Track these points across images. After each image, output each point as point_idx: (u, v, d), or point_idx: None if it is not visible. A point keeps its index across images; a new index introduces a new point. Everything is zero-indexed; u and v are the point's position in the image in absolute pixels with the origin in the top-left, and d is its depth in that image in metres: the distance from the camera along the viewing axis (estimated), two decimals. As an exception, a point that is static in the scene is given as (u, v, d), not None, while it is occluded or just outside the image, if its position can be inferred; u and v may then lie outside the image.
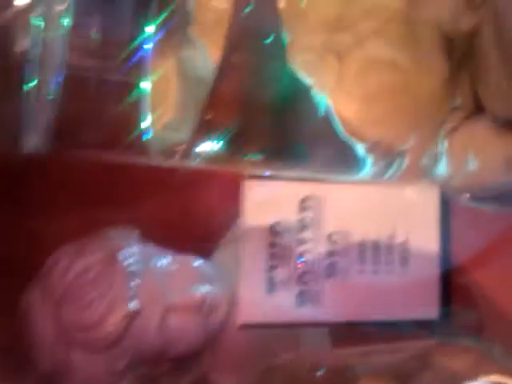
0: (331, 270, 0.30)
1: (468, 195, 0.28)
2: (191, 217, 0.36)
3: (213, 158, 0.24)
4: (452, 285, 0.33)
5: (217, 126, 0.22)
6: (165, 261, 0.35)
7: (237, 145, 0.23)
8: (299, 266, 0.30)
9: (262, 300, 0.30)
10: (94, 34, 0.21)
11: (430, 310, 0.31)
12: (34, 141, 0.21)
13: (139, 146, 0.23)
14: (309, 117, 0.25)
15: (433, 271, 0.31)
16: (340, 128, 0.25)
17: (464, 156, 0.25)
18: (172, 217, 0.35)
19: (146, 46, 0.23)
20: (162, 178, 0.32)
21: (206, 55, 0.24)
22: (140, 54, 0.23)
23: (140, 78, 0.23)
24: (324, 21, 0.23)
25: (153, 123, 0.24)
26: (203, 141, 0.23)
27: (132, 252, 0.35)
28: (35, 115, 0.20)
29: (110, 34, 0.22)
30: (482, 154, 0.25)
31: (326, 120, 0.25)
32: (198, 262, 0.35)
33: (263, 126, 0.25)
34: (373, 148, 0.25)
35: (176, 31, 0.24)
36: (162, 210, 0.34)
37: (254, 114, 0.24)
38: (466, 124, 0.25)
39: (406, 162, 0.25)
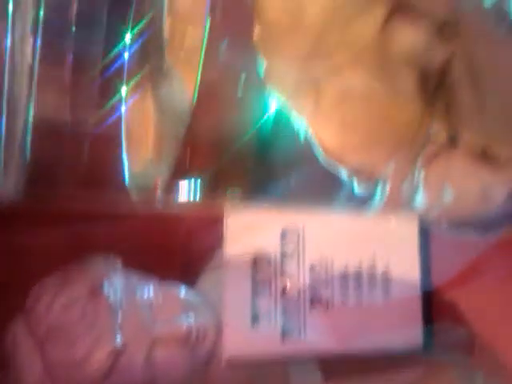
0: (314, 301, 0.31)
1: (446, 225, 0.28)
2: (174, 244, 0.35)
3: (193, 194, 0.24)
4: (434, 309, 0.33)
5: (195, 165, 0.22)
6: (149, 291, 0.35)
7: (216, 181, 0.23)
8: (282, 297, 0.30)
9: (247, 333, 0.30)
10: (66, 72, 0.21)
11: (414, 336, 0.31)
12: (9, 186, 0.21)
13: (119, 185, 0.23)
14: (289, 147, 0.25)
15: (415, 297, 0.31)
16: (321, 154, 0.25)
17: (440, 187, 0.25)
18: (154, 244, 0.35)
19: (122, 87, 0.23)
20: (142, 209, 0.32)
21: (182, 88, 0.24)
22: (116, 93, 0.23)
23: (116, 115, 0.23)
24: (300, 50, 0.23)
25: (131, 161, 0.24)
26: (183, 178, 0.23)
27: (115, 283, 0.35)
28: (8, 160, 0.20)
29: (82, 70, 0.22)
30: (458, 186, 0.25)
31: (307, 148, 0.25)
32: (182, 291, 0.35)
33: (243, 161, 0.25)
34: (354, 174, 0.25)
35: (152, 61, 0.24)
36: (144, 237, 0.34)
37: (233, 150, 0.24)
38: (442, 155, 0.25)
39: (388, 188, 0.25)
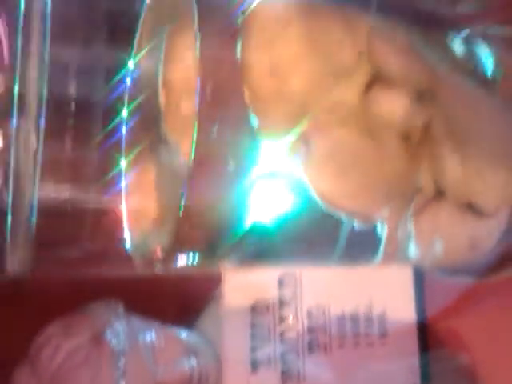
0: (312, 346, 0.31)
1: (438, 272, 0.29)
2: (174, 286, 0.36)
3: (191, 261, 0.24)
4: (432, 341, 0.34)
5: (193, 236, 0.23)
6: (151, 335, 0.35)
7: (213, 250, 0.24)
8: (281, 343, 0.31)
9: (247, 379, 0.31)
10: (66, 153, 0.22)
11: (412, 372, 0.32)
12: (14, 261, 0.21)
13: (122, 257, 0.24)
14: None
15: (412, 339, 0.32)
16: (317, 199, 0.26)
17: (431, 239, 0.26)
18: (154, 288, 0.36)
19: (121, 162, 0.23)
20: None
21: (180, 157, 0.24)
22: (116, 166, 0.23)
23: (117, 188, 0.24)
24: (286, 114, 0.24)
25: (133, 231, 0.24)
26: (183, 248, 0.23)
27: (118, 329, 0.36)
28: (15, 238, 0.21)
29: (83, 146, 0.23)
30: (447, 238, 0.26)
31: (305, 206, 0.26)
32: (183, 333, 0.36)
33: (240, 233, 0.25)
34: (351, 216, 0.26)
35: (150, 132, 0.25)
36: (143, 281, 0.35)
37: (231, 225, 0.24)
38: (430, 207, 0.26)
39: (385, 231, 0.26)
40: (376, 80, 0.24)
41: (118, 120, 0.24)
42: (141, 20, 0.25)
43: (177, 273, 0.26)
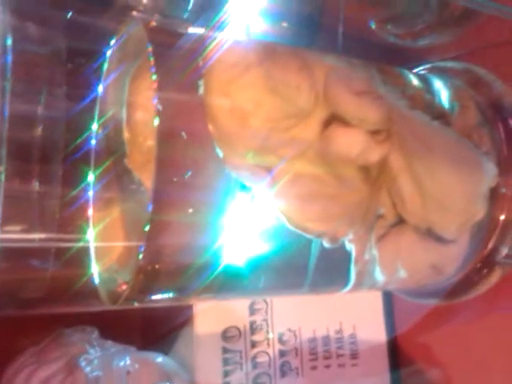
0: (285, 370, 0.32)
1: (404, 295, 0.30)
2: (147, 311, 0.36)
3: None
4: (404, 356, 0.35)
5: (158, 276, 0.23)
6: (125, 360, 0.35)
7: (183, 286, 0.24)
8: (253, 367, 0.31)
9: (221, 405, 0.31)
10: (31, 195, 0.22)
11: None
12: None
13: (88, 293, 0.24)
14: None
15: (382, 358, 0.32)
16: (285, 223, 0.26)
17: (393, 266, 0.26)
18: (127, 312, 0.36)
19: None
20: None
21: (144, 192, 0.25)
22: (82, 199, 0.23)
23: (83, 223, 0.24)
24: (248, 150, 0.24)
25: (99, 266, 0.24)
26: (149, 284, 0.23)
27: (92, 356, 0.36)
28: None
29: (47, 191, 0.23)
30: (410, 264, 0.26)
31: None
32: (157, 359, 0.36)
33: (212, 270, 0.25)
34: (320, 237, 0.26)
35: (117, 172, 0.25)
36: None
37: (201, 263, 0.24)
38: (392, 234, 0.26)
39: (354, 252, 0.26)
40: (333, 118, 0.24)
41: (84, 158, 0.24)
42: (107, 59, 0.25)
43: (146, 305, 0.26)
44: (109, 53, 0.25)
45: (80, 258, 0.24)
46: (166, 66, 0.22)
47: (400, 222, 0.27)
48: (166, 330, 0.37)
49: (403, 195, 0.25)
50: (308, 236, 0.26)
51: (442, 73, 0.30)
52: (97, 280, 0.24)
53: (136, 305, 0.24)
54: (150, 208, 0.22)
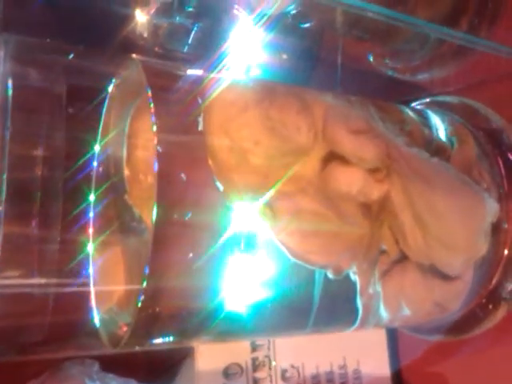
0: (288, 407, 0.31)
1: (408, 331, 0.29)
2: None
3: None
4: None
5: (158, 318, 0.23)
6: (127, 394, 0.35)
7: (184, 330, 0.24)
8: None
9: None
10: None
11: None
12: None
13: (89, 335, 0.24)
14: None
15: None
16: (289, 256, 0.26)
17: (397, 303, 0.26)
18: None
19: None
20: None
21: (145, 230, 0.24)
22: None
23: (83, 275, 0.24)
24: (249, 186, 0.24)
25: (100, 308, 0.24)
26: (148, 330, 0.23)
27: (93, 390, 0.35)
28: None
29: (46, 232, 0.23)
30: (413, 302, 0.26)
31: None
32: (160, 394, 0.36)
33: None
34: (324, 268, 0.26)
35: (118, 211, 0.25)
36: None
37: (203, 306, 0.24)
38: (396, 271, 0.26)
39: (359, 284, 0.26)
40: (332, 156, 0.24)
41: (83, 202, 0.24)
42: (108, 97, 0.25)
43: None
44: (108, 94, 0.25)
45: (81, 300, 0.24)
46: (165, 108, 0.22)
47: (403, 258, 0.26)
48: (168, 365, 0.37)
49: (405, 232, 0.25)
50: (310, 277, 0.26)
51: (439, 107, 0.30)
52: (97, 323, 0.24)
53: (137, 348, 0.24)
54: (151, 249, 0.21)
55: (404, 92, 0.33)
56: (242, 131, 0.23)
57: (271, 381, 0.32)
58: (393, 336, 0.34)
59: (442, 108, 0.30)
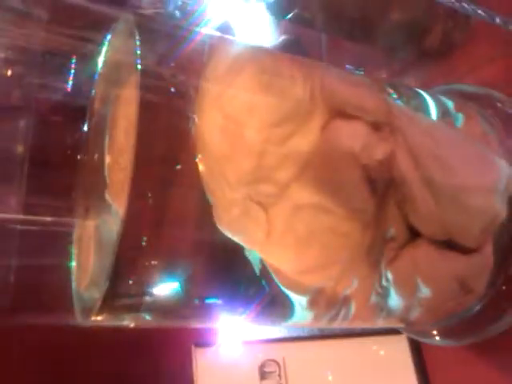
0: None
1: (435, 332, 0.25)
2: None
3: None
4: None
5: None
6: None
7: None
8: None
9: None
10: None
11: None
12: None
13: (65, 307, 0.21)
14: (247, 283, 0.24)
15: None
16: (279, 282, 0.23)
17: (413, 284, 0.23)
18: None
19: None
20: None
21: (116, 216, 0.23)
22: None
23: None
24: (242, 174, 0.23)
25: (76, 283, 0.23)
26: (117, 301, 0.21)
27: None
28: None
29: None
30: (431, 279, 0.23)
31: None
32: None
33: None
34: (316, 299, 0.23)
35: (94, 197, 0.24)
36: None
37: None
38: (406, 251, 0.23)
39: (354, 307, 0.23)
40: (332, 118, 0.23)
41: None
42: (94, 85, 0.25)
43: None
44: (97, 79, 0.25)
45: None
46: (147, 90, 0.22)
47: (412, 239, 0.24)
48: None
49: (415, 199, 0.23)
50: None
51: (444, 92, 0.29)
52: (74, 297, 0.22)
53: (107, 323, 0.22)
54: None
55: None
56: (235, 99, 0.22)
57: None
58: (421, 361, 0.30)
59: (447, 92, 0.29)
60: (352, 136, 0.22)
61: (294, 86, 0.22)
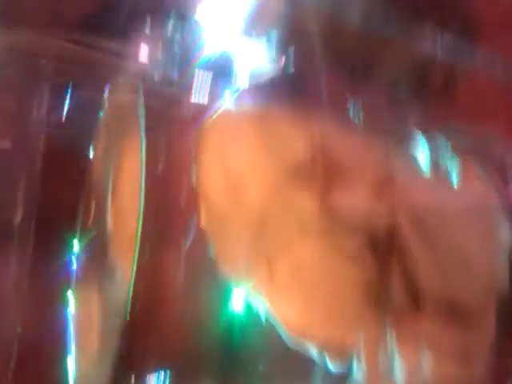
0: None
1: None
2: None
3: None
4: None
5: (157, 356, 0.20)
6: None
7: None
8: None
9: None
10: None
11: None
12: None
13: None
14: (255, 335, 0.24)
15: None
16: (285, 333, 0.23)
17: (416, 353, 0.23)
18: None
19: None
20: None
21: (124, 280, 0.23)
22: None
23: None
24: (246, 229, 0.23)
25: (78, 356, 0.22)
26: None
27: None
28: None
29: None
30: (433, 349, 0.23)
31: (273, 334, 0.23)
32: None
33: (208, 353, 0.24)
34: (324, 349, 0.23)
35: (98, 260, 0.24)
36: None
37: (197, 343, 0.22)
38: (410, 321, 0.23)
39: (364, 364, 0.23)
40: (333, 182, 0.23)
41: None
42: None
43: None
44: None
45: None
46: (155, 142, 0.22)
47: (415, 305, 0.24)
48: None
49: (418, 265, 0.22)
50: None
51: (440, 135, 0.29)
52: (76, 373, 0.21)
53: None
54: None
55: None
56: (237, 153, 0.22)
57: None
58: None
59: (446, 134, 0.28)
60: (353, 201, 0.22)
61: (294, 144, 0.23)
